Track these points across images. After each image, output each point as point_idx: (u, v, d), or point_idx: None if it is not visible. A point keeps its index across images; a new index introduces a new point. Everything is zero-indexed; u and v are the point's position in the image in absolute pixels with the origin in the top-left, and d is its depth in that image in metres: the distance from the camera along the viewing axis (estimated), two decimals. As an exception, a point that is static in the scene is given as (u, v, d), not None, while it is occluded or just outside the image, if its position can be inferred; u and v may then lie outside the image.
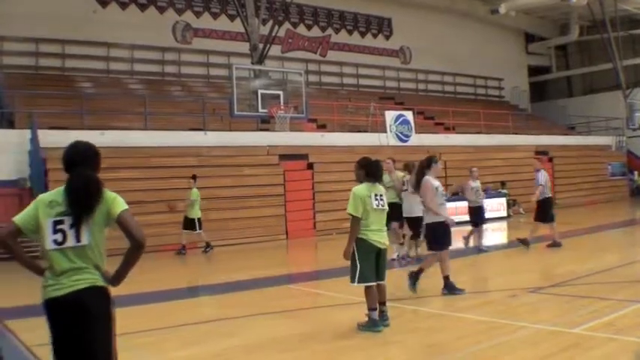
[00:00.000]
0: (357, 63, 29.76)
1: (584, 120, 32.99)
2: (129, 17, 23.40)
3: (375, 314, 6.55)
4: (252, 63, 20.74)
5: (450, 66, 32.54)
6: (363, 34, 30.67)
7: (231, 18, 25.07)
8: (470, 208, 14.33)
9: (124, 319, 7.36)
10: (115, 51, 22.99)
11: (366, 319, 6.61)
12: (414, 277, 8.45)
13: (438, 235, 8.34)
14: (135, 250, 3.53)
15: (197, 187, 15.05)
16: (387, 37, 31.51)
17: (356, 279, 6.47)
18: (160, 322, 7.43)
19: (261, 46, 20.83)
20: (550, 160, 27.51)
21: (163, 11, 24.66)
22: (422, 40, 31.37)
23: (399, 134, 22.69)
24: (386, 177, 10.96)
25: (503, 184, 23.54)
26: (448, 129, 26.85)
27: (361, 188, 6.58)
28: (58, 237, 3.46)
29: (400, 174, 11.71)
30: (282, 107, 19.43)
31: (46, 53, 21.50)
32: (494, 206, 22.39)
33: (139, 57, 23.64)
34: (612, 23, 31.12)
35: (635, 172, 32.10)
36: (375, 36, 31.08)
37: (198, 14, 25.52)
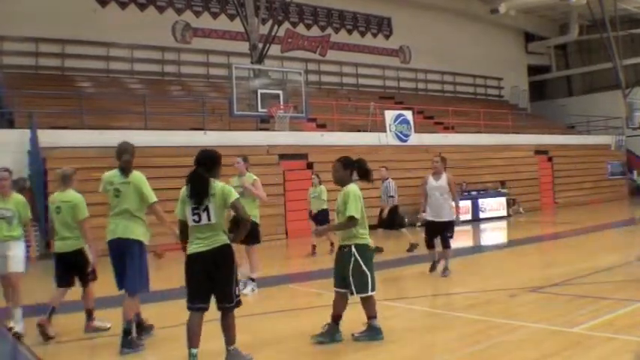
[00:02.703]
0: (357, 62, 29.75)
1: (583, 119, 32.99)
2: (128, 17, 23.40)
3: (376, 321, 6.22)
4: (252, 62, 20.73)
5: (449, 65, 32.54)
6: (362, 34, 30.67)
7: (231, 17, 25.07)
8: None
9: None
10: (115, 51, 22.98)
11: (363, 328, 6.26)
12: None
13: None
14: (242, 225, 5.44)
15: None
16: (387, 37, 31.50)
17: (369, 288, 6.04)
18: (160, 321, 7.43)
19: (260, 45, 20.82)
20: (550, 159, 27.54)
21: (163, 11, 24.65)
22: (421, 40, 31.36)
23: (399, 134, 22.71)
24: (235, 180, 9.36)
25: (502, 183, 23.55)
26: (448, 128, 26.86)
27: (357, 188, 6.20)
28: (196, 217, 5.33)
29: (252, 176, 9.48)
30: (281, 107, 19.42)
31: (46, 53, 21.49)
32: (494, 206, 22.39)
33: (139, 57, 23.63)
34: (612, 22, 31.12)
35: (635, 172, 32.11)
36: (374, 35, 31.07)
37: (197, 14, 25.51)
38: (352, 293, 6.07)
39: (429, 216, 10.02)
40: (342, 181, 6.24)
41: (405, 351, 6.00)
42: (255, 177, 9.39)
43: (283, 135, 19.53)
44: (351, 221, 6.03)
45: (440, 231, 9.96)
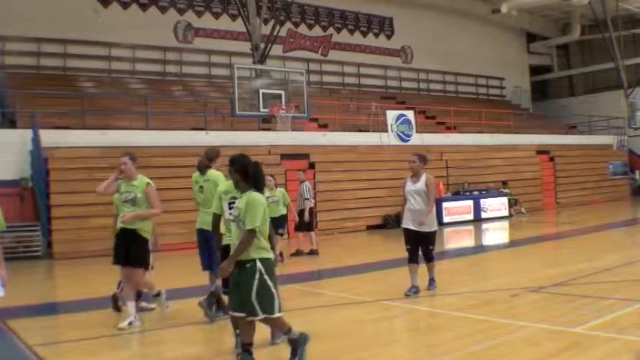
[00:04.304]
0: (359, 62, 29.74)
1: (585, 119, 32.95)
2: (130, 17, 23.41)
3: (294, 332, 5.39)
4: (254, 62, 20.73)
5: (451, 65, 32.52)
6: (364, 34, 30.66)
7: (233, 18, 25.08)
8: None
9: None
10: (117, 51, 22.99)
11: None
12: None
13: None
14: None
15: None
16: (389, 37, 31.49)
17: (275, 308, 5.19)
18: (160, 322, 7.44)
19: (262, 45, 20.82)
20: (551, 159, 27.52)
21: (165, 11, 24.66)
22: (423, 40, 31.36)
23: (401, 134, 22.69)
24: (123, 185, 7.21)
25: (504, 183, 23.53)
26: (449, 128, 26.84)
27: (260, 196, 5.30)
28: (232, 212, 5.56)
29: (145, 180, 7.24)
30: (283, 107, 19.42)
31: (48, 53, 21.51)
32: (496, 206, 22.39)
33: (141, 57, 23.65)
34: (614, 22, 31.10)
35: (637, 172, 32.07)
36: (376, 35, 31.06)
37: (199, 14, 25.52)
38: (255, 315, 5.14)
39: (406, 223, 8.52)
40: (237, 186, 5.46)
41: (406, 351, 6.00)
42: (148, 180, 7.23)
43: (285, 135, 19.53)
44: (251, 234, 5.12)
45: (420, 242, 8.47)
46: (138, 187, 7.06)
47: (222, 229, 6.05)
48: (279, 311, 5.20)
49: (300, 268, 12.62)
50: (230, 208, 5.76)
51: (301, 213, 13.80)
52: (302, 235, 14.08)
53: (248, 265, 5.13)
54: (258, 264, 5.13)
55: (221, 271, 5.29)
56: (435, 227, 8.54)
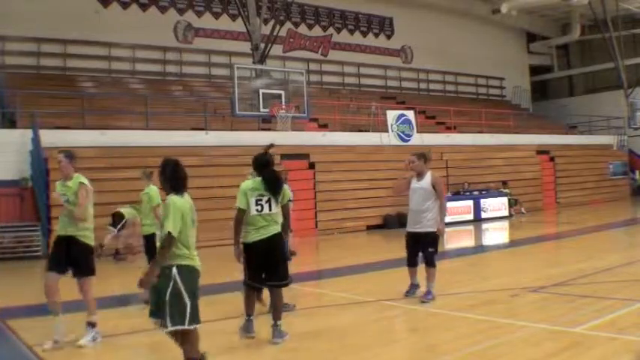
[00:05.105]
0: (359, 62, 29.73)
1: (585, 119, 32.95)
2: (130, 17, 23.40)
3: None
4: (254, 62, 20.72)
5: (451, 65, 32.51)
6: (364, 34, 30.66)
7: (233, 18, 25.07)
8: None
9: (124, 320, 7.39)
10: (117, 51, 22.98)
11: None
12: None
13: None
14: (285, 227, 6.61)
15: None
16: (389, 37, 31.48)
17: (187, 319, 4.86)
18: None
19: (262, 45, 20.82)
20: (551, 159, 27.52)
21: (165, 11, 24.65)
22: (423, 40, 31.35)
23: (401, 134, 22.69)
24: (59, 186, 6.69)
25: (504, 183, 23.54)
26: (450, 128, 26.84)
27: (178, 199, 4.99)
28: (258, 208, 6.31)
29: (80, 179, 6.56)
30: (283, 107, 19.40)
31: (48, 53, 21.49)
32: (496, 206, 22.39)
33: (141, 57, 23.63)
34: (614, 22, 31.08)
35: (637, 172, 32.08)
36: (376, 35, 31.05)
37: (199, 14, 25.52)
38: (165, 326, 4.87)
39: (409, 226, 8.24)
40: (165, 190, 5.14)
41: (406, 351, 6.00)
42: (84, 180, 6.59)
43: (285, 135, 19.50)
44: (168, 239, 4.85)
45: (419, 243, 8.15)
46: (71, 187, 6.46)
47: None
48: (192, 323, 4.90)
49: (300, 268, 12.63)
50: (257, 204, 6.28)
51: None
52: (291, 237, 13.97)
53: (166, 271, 4.90)
54: (174, 271, 4.87)
55: (140, 281, 4.88)
56: (435, 228, 8.02)
